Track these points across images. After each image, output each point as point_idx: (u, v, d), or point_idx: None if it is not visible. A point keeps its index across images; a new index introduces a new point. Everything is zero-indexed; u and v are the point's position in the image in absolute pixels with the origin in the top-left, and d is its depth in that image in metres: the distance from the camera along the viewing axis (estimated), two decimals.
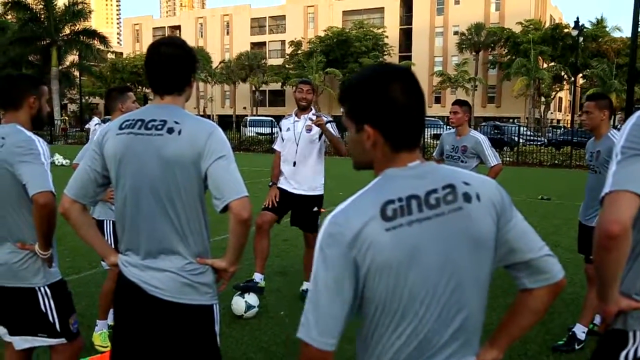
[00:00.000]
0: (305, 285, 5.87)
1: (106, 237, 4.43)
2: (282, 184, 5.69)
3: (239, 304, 5.18)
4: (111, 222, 4.43)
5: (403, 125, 1.50)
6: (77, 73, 50.13)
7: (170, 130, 2.31)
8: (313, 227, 5.72)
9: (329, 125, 5.55)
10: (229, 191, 2.29)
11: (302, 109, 5.68)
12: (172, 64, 2.39)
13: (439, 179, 1.51)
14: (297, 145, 5.59)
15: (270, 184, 5.79)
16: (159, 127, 2.32)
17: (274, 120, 30.84)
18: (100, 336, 4.54)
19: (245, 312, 5.16)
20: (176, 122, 2.32)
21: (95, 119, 20.50)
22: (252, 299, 5.23)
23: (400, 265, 1.43)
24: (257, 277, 5.46)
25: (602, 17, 55.22)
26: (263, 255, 5.55)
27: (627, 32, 47.68)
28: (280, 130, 5.84)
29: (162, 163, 2.30)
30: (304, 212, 5.69)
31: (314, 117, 5.52)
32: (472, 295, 1.52)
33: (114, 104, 4.59)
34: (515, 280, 1.63)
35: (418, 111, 1.51)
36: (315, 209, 5.70)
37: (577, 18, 32.52)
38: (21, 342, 3.00)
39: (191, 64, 2.46)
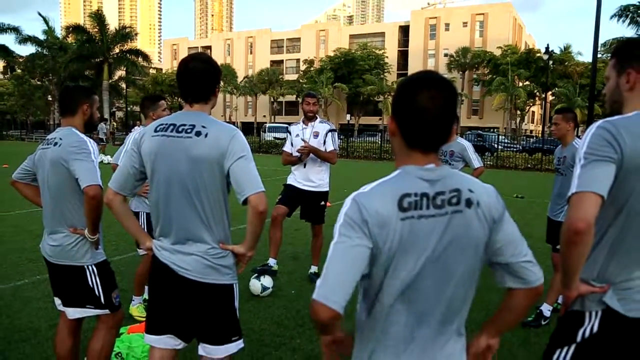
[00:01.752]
0: (313, 269, 5.88)
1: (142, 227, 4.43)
2: (292, 181, 5.69)
3: (255, 285, 5.21)
4: (145, 214, 4.40)
5: (416, 127, 1.46)
6: (124, 85, 50.34)
7: (198, 134, 2.32)
8: (320, 219, 5.75)
9: (329, 135, 5.57)
10: (248, 187, 2.29)
11: (309, 119, 5.67)
12: (199, 77, 2.40)
13: (449, 183, 1.47)
14: None
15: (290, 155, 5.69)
16: (189, 130, 2.34)
17: (289, 126, 30.90)
18: (138, 308, 4.56)
19: (261, 293, 5.19)
20: (203, 127, 2.33)
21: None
22: (266, 281, 5.24)
23: (404, 251, 1.41)
24: (272, 261, 5.46)
25: (568, 44, 54.71)
26: (276, 243, 5.53)
27: (587, 56, 47.47)
28: (290, 135, 5.78)
29: (191, 161, 2.31)
30: (313, 206, 5.68)
31: (320, 127, 5.58)
32: (460, 286, 1.50)
33: (147, 111, 4.56)
34: (497, 278, 1.58)
35: (436, 118, 1.43)
36: (322, 203, 5.68)
37: (548, 45, 32.26)
38: (73, 312, 3.01)
39: (216, 77, 2.46)
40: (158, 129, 2.40)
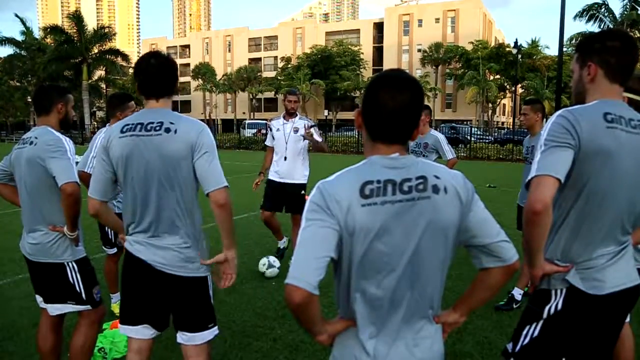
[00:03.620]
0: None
1: (107, 228, 4.36)
2: (272, 176, 5.85)
3: (263, 261, 5.56)
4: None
5: (376, 121, 1.49)
6: (104, 85, 49.58)
7: (167, 130, 2.30)
8: (300, 209, 5.73)
9: (312, 129, 5.65)
10: (212, 182, 2.31)
11: (290, 115, 5.80)
12: (164, 71, 2.38)
13: (414, 170, 1.48)
14: (287, 143, 5.71)
15: (259, 172, 6.10)
16: (157, 128, 2.31)
17: (269, 122, 30.84)
18: (118, 305, 4.49)
19: (266, 270, 5.49)
20: (171, 123, 2.32)
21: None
22: (273, 260, 5.59)
23: (369, 235, 1.42)
24: (280, 243, 5.94)
25: (536, 38, 55.54)
26: (276, 230, 5.97)
27: (554, 50, 48.27)
28: (271, 130, 5.93)
29: (163, 158, 2.30)
30: (294, 197, 5.76)
31: (300, 123, 5.73)
32: (430, 270, 1.50)
33: (114, 111, 4.23)
34: (474, 259, 1.59)
35: (395, 114, 1.46)
36: (302, 192, 5.79)
37: (516, 39, 32.66)
38: (54, 309, 2.97)
39: (176, 72, 2.47)
40: (125, 129, 2.36)
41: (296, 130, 5.70)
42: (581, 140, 1.88)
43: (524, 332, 2.06)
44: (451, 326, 1.66)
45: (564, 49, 16.36)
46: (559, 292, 2.00)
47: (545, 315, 2.01)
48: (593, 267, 1.96)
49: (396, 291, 1.47)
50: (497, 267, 1.56)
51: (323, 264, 1.40)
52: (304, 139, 5.66)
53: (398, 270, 1.46)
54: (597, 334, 1.99)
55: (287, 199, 5.79)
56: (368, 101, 1.50)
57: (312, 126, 5.70)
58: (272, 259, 5.60)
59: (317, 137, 5.70)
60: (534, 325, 2.04)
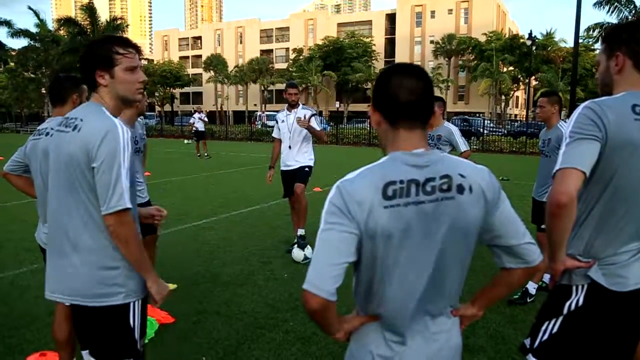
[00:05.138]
0: (300, 232, 6.11)
1: None
2: (283, 167, 6.29)
3: (299, 254, 5.86)
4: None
5: (394, 102, 1.44)
6: None
7: (75, 127, 1.96)
8: (303, 179, 6.17)
9: (313, 118, 6.02)
10: (106, 202, 1.89)
11: (292, 106, 6.19)
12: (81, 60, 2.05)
13: (439, 169, 1.43)
14: (290, 133, 6.13)
15: (269, 165, 6.51)
16: (70, 124, 1.99)
17: (276, 114, 30.89)
18: None
19: (302, 261, 5.77)
20: (81, 120, 1.97)
21: (197, 114, 20.40)
22: (309, 252, 5.81)
23: (391, 238, 1.38)
24: (299, 231, 6.05)
25: (551, 29, 54.74)
26: (300, 217, 6.11)
27: (570, 42, 47.70)
28: (277, 122, 6.35)
29: (67, 160, 1.94)
30: (299, 171, 6.15)
31: (302, 113, 6.05)
32: (451, 269, 1.48)
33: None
34: (496, 258, 1.56)
35: (412, 90, 1.42)
36: (307, 169, 6.16)
37: (531, 30, 32.35)
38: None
39: (94, 59, 2.02)
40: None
41: (299, 121, 6.05)
42: (608, 132, 1.83)
43: (543, 328, 2.02)
44: (469, 319, 1.65)
45: (580, 40, 15.93)
46: (580, 288, 1.96)
47: (565, 311, 1.98)
48: (616, 263, 1.92)
49: (417, 291, 1.45)
50: (520, 268, 1.53)
51: (341, 271, 1.38)
52: (302, 126, 5.94)
53: (420, 271, 1.44)
54: (618, 332, 1.94)
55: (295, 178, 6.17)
56: (381, 88, 1.46)
57: (312, 115, 6.05)
58: (309, 251, 5.75)
59: (316, 126, 6.03)
60: (553, 321, 2.00)
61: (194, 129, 20.47)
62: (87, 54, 2.03)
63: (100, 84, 2.02)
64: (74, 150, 1.91)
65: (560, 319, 1.99)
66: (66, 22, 42.76)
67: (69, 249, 1.99)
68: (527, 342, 2.09)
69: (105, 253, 1.97)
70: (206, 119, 21.47)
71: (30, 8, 42.30)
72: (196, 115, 20.47)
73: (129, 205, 1.91)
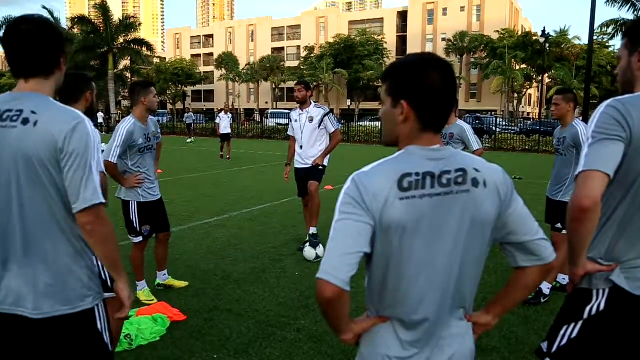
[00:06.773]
0: (312, 230, 6.09)
1: (131, 217, 4.39)
2: (297, 164, 6.29)
3: (310, 252, 5.84)
4: (136, 203, 4.37)
5: (435, 107, 1.41)
6: (129, 75, 50.15)
7: (25, 121, 1.72)
8: (317, 176, 6.16)
9: (326, 118, 6.07)
10: (79, 198, 1.73)
11: (301, 104, 6.16)
12: (35, 41, 1.78)
13: (454, 163, 1.42)
14: (302, 132, 6.14)
15: (285, 163, 6.56)
16: (15, 117, 1.73)
17: (290, 112, 30.89)
18: (144, 292, 4.57)
19: (314, 260, 5.74)
20: (33, 112, 1.73)
21: (222, 114, 18.77)
22: (320, 251, 5.79)
23: (406, 230, 1.37)
24: (312, 230, 6.01)
25: (565, 26, 54.18)
26: (312, 216, 6.09)
27: (584, 39, 47.14)
28: (290, 120, 6.38)
29: (21, 160, 1.72)
30: (313, 169, 6.13)
31: (315, 112, 6.08)
32: (466, 266, 1.45)
33: (137, 97, 4.32)
34: (509, 257, 1.53)
35: (449, 99, 1.42)
36: (321, 167, 6.13)
37: (544, 28, 32.13)
38: None
39: (57, 42, 1.84)
40: None
41: (311, 120, 6.07)
42: (633, 132, 1.76)
43: (562, 333, 1.96)
44: (482, 328, 1.60)
45: (594, 37, 15.69)
46: (601, 292, 1.89)
47: (585, 315, 1.91)
48: (639, 267, 1.86)
49: (431, 288, 1.43)
50: (534, 266, 1.49)
51: (356, 260, 1.35)
52: (314, 120, 6.02)
53: (435, 266, 1.41)
54: None
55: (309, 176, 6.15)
56: (419, 87, 1.40)
57: (326, 114, 6.07)
58: (321, 250, 5.76)
59: (331, 126, 6.07)
60: (572, 326, 1.94)
61: (220, 131, 18.48)
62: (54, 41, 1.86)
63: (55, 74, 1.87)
64: (31, 147, 1.70)
65: (580, 323, 1.92)
66: (80, 20, 43.22)
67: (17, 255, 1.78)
68: (544, 346, 2.03)
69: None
70: (231, 119, 19.21)
71: (44, 7, 42.62)
72: (222, 115, 18.86)
73: (104, 200, 1.77)
